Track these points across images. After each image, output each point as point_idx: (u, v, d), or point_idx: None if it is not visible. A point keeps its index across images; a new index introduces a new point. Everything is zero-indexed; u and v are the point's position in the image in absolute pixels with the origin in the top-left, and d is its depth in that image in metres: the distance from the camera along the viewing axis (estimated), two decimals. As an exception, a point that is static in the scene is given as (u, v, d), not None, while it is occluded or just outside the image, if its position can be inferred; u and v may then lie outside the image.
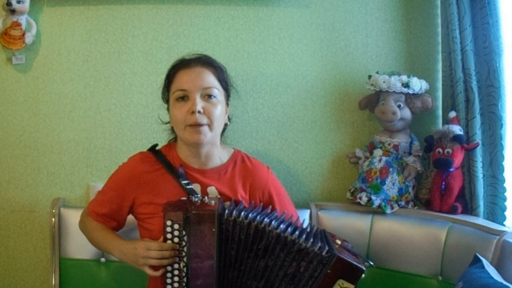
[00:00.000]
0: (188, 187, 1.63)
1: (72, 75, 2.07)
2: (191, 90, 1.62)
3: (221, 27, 2.11)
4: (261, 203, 1.66)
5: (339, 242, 1.58)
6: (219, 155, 1.73)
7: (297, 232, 1.53)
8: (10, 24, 1.96)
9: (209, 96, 1.63)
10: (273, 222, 1.53)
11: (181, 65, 1.69)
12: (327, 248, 1.50)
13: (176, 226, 1.52)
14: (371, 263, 1.64)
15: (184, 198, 1.59)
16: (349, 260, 1.50)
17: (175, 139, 1.77)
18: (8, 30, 1.97)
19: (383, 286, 1.95)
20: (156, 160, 1.70)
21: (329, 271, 1.50)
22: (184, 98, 1.63)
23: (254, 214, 1.54)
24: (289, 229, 1.53)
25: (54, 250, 1.95)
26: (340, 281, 1.50)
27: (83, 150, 2.09)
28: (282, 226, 1.53)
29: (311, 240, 1.51)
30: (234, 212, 1.52)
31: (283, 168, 2.13)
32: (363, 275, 1.51)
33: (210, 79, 1.65)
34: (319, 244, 1.50)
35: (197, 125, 1.60)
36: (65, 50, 2.06)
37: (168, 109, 1.72)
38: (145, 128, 2.10)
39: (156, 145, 1.76)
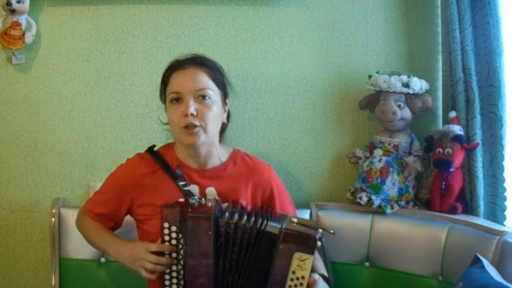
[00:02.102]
0: (185, 188, 1.63)
1: (72, 75, 2.07)
2: (184, 92, 1.61)
3: (221, 27, 2.11)
4: (259, 204, 1.66)
5: (295, 220, 1.54)
6: (218, 155, 1.72)
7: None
8: (10, 24, 1.96)
9: (203, 97, 1.62)
10: (272, 224, 1.53)
11: (175, 66, 1.68)
12: (273, 225, 1.50)
13: (173, 228, 1.51)
14: (332, 232, 1.57)
15: (182, 200, 1.58)
16: (297, 230, 1.48)
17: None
18: (8, 30, 1.97)
19: (383, 286, 1.95)
20: (154, 161, 1.70)
21: (281, 246, 1.48)
22: (178, 100, 1.63)
23: (255, 216, 1.54)
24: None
25: (54, 250, 1.95)
26: (297, 254, 1.48)
27: (83, 150, 2.09)
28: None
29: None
30: (236, 216, 1.52)
31: (283, 168, 2.13)
32: (319, 243, 1.49)
33: (204, 80, 1.64)
34: (270, 224, 1.51)
35: (191, 127, 1.59)
36: (65, 50, 2.06)
37: (165, 110, 1.71)
38: (145, 128, 2.10)
39: (154, 146, 1.76)
